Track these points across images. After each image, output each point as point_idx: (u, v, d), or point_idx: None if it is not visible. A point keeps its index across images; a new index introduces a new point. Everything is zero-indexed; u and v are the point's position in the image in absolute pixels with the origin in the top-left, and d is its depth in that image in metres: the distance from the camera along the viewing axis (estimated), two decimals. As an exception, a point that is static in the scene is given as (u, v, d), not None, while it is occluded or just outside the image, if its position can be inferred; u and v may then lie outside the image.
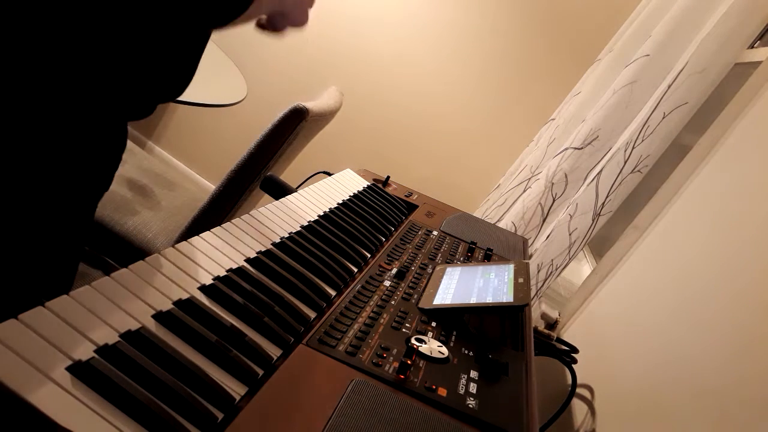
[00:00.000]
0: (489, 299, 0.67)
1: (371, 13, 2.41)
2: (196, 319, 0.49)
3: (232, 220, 0.68)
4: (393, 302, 0.66)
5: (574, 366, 1.05)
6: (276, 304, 0.56)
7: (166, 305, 0.49)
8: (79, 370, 0.38)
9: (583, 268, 1.83)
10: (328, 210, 0.88)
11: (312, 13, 0.57)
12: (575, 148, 1.48)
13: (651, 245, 1.15)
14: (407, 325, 0.62)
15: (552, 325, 1.34)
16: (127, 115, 0.54)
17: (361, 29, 2.43)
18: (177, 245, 0.57)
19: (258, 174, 1.22)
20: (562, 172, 1.49)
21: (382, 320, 0.61)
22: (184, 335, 0.46)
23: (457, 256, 0.91)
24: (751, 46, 1.34)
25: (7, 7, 0.40)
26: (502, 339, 0.67)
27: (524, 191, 1.72)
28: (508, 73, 2.39)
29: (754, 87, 1.06)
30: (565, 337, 1.24)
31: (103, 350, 0.40)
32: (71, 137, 0.49)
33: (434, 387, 0.52)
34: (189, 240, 0.59)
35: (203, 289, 0.54)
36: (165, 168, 1.75)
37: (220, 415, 0.41)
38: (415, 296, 0.70)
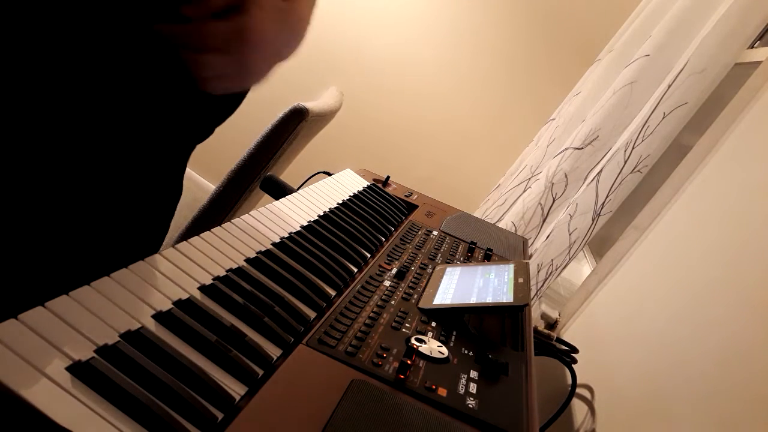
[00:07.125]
0: (489, 299, 0.67)
1: (371, 13, 2.41)
2: (196, 319, 0.49)
3: (232, 220, 0.68)
4: (393, 302, 0.66)
5: (574, 366, 1.05)
6: (276, 304, 0.56)
7: (166, 305, 0.49)
8: (79, 370, 0.37)
9: (583, 268, 1.83)
10: (328, 210, 0.87)
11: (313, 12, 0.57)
12: (575, 148, 1.49)
13: (651, 245, 1.15)
14: (407, 325, 0.62)
15: (552, 325, 1.34)
16: (194, 137, 0.64)
17: (361, 29, 2.43)
18: (177, 245, 0.57)
19: (258, 174, 1.22)
20: (562, 172, 1.49)
21: (382, 320, 0.61)
22: (184, 335, 0.46)
23: (457, 256, 0.91)
24: (751, 46, 1.34)
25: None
26: (502, 339, 0.67)
27: (524, 191, 1.72)
28: (508, 73, 2.39)
29: (754, 87, 1.06)
30: (565, 337, 1.23)
31: (103, 350, 0.40)
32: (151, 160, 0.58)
33: (434, 387, 0.52)
34: (189, 240, 0.59)
35: (203, 289, 0.54)
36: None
37: (220, 415, 0.41)
38: (415, 296, 0.70)
